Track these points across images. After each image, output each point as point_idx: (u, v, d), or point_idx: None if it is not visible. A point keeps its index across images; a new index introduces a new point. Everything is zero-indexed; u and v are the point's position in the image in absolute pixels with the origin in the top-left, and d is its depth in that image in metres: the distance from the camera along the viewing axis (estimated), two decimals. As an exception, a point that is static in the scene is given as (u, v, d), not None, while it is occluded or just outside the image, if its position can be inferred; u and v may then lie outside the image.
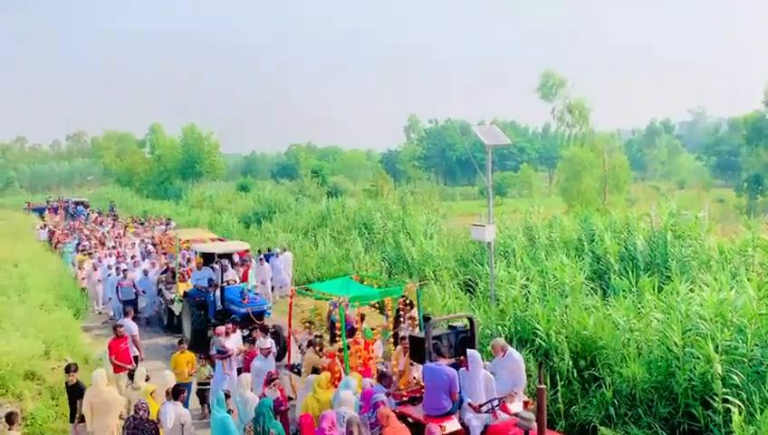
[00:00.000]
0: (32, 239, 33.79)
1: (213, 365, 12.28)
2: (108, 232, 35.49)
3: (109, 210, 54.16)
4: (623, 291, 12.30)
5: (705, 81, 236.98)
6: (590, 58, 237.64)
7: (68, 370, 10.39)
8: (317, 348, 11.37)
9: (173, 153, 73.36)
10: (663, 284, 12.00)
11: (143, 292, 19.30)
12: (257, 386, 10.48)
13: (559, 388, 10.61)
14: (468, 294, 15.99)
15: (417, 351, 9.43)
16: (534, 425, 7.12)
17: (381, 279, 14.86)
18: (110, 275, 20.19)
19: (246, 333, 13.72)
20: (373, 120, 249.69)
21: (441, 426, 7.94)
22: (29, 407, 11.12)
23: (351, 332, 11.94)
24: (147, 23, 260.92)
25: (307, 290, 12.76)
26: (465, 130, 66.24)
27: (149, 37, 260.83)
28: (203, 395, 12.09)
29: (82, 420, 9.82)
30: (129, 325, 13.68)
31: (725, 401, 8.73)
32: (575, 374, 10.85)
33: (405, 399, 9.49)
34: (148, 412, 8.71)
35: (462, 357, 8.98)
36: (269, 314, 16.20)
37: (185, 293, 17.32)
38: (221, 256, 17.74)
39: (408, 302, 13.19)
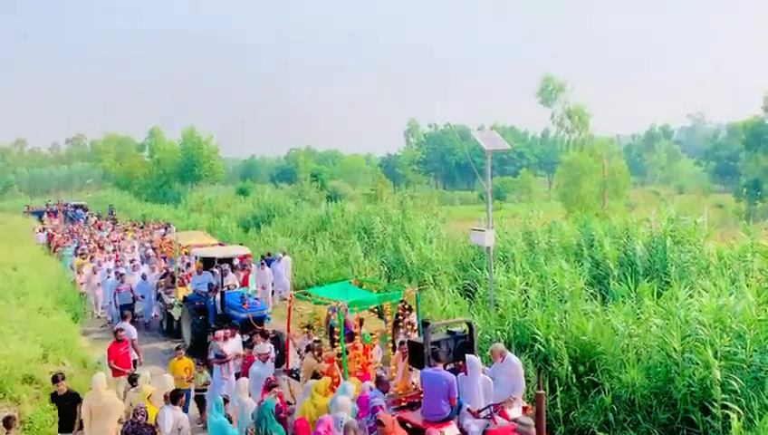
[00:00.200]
0: (31, 243, 33.77)
1: (211, 370, 12.25)
2: (108, 236, 35.46)
3: (108, 214, 54.13)
4: (622, 296, 12.29)
5: (704, 86, 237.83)
6: (590, 63, 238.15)
7: (56, 380, 9.92)
8: (316, 353, 11.35)
9: (172, 157, 73.40)
10: (662, 289, 11.99)
11: (141, 297, 19.24)
12: (256, 392, 10.45)
13: (558, 393, 10.59)
14: (467, 299, 15.97)
15: (416, 356, 9.42)
16: (533, 431, 7.10)
17: (380, 284, 14.86)
18: (109, 277, 20.18)
19: (247, 338, 13.66)
20: (373, 125, 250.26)
21: (440, 431, 7.93)
22: (27, 411, 11.10)
23: (350, 336, 11.93)
24: (146, 23, 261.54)
25: (306, 295, 12.75)
26: (464, 134, 66.37)
27: (149, 38, 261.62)
28: (201, 401, 12.05)
29: (81, 427, 9.68)
30: (128, 329, 13.64)
31: (724, 406, 8.72)
32: (574, 380, 10.84)
33: (404, 404, 9.47)
34: (147, 417, 8.69)
35: (460, 362, 8.97)
36: (269, 319, 16.12)
37: (184, 297, 17.25)
38: (221, 260, 17.66)
39: (407, 307, 13.17)
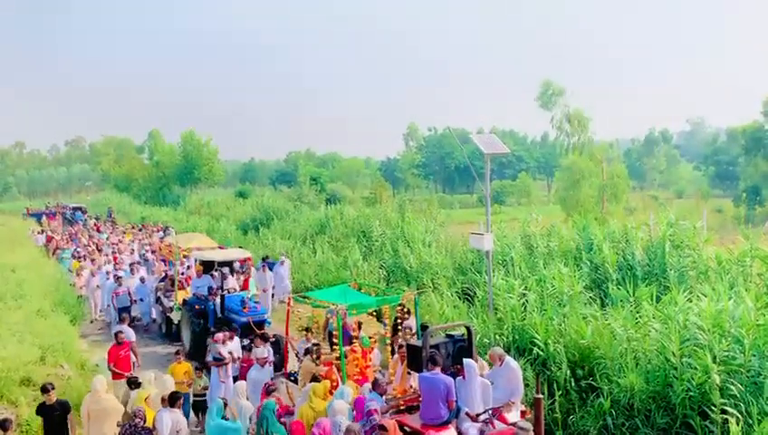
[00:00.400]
0: (30, 245, 33.75)
1: (209, 371, 12.23)
2: (107, 238, 35.45)
3: (107, 216, 54.13)
4: (621, 301, 12.28)
5: (703, 91, 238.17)
6: (590, 67, 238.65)
7: (45, 390, 9.38)
8: (314, 356, 11.33)
9: (172, 159, 73.47)
10: (661, 293, 11.99)
11: (140, 299, 19.17)
12: (254, 396, 10.43)
13: (556, 397, 10.58)
14: (466, 302, 15.95)
15: (415, 359, 9.40)
16: (532, 435, 7.08)
17: (379, 287, 14.83)
18: (108, 280, 20.10)
19: (247, 342, 13.59)
20: (372, 128, 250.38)
21: (438, 435, 7.91)
22: (24, 414, 11.06)
23: (349, 340, 11.91)
24: (146, 24, 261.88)
25: (305, 298, 12.73)
26: (463, 138, 66.31)
27: (148, 39, 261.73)
28: (198, 406, 12.01)
29: None
30: (127, 332, 13.64)
31: (723, 411, 8.71)
32: (573, 384, 10.83)
33: (402, 408, 9.45)
34: (145, 419, 8.67)
35: (458, 366, 8.96)
36: (269, 322, 15.99)
37: (184, 301, 17.14)
38: (221, 263, 17.54)
39: (406, 310, 13.16)
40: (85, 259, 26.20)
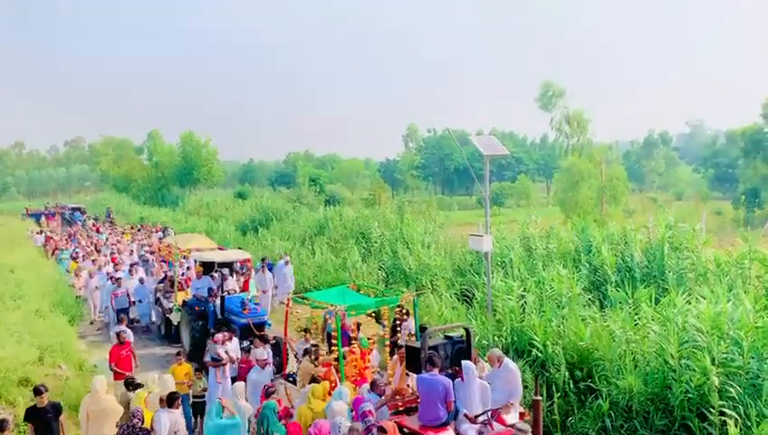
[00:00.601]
0: (28, 245, 33.74)
1: (207, 372, 12.20)
2: (106, 239, 35.42)
3: (105, 216, 54.12)
4: (620, 302, 12.27)
5: (703, 92, 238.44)
6: (590, 69, 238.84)
7: (38, 392, 9.10)
8: (312, 357, 11.32)
9: (171, 160, 73.47)
10: (660, 295, 11.99)
11: (139, 301, 19.11)
12: (254, 398, 10.41)
13: (555, 399, 10.58)
14: (465, 304, 15.94)
15: (413, 360, 9.40)
16: (530, 436, 7.08)
17: (378, 288, 14.83)
18: (109, 280, 19.98)
19: (247, 344, 13.53)
20: (372, 129, 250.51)
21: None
22: (22, 414, 11.02)
23: (348, 341, 11.89)
24: (145, 24, 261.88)
25: (303, 299, 12.71)
26: (463, 140, 66.36)
27: (147, 39, 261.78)
28: (198, 407, 11.97)
29: None
30: (126, 332, 13.59)
31: (722, 413, 8.71)
32: (571, 386, 10.82)
33: (401, 409, 9.45)
34: (143, 420, 8.65)
35: (456, 368, 8.95)
36: (270, 324, 15.91)
37: (184, 302, 17.04)
38: (221, 264, 17.46)
39: (405, 311, 13.15)
40: (84, 260, 26.17)
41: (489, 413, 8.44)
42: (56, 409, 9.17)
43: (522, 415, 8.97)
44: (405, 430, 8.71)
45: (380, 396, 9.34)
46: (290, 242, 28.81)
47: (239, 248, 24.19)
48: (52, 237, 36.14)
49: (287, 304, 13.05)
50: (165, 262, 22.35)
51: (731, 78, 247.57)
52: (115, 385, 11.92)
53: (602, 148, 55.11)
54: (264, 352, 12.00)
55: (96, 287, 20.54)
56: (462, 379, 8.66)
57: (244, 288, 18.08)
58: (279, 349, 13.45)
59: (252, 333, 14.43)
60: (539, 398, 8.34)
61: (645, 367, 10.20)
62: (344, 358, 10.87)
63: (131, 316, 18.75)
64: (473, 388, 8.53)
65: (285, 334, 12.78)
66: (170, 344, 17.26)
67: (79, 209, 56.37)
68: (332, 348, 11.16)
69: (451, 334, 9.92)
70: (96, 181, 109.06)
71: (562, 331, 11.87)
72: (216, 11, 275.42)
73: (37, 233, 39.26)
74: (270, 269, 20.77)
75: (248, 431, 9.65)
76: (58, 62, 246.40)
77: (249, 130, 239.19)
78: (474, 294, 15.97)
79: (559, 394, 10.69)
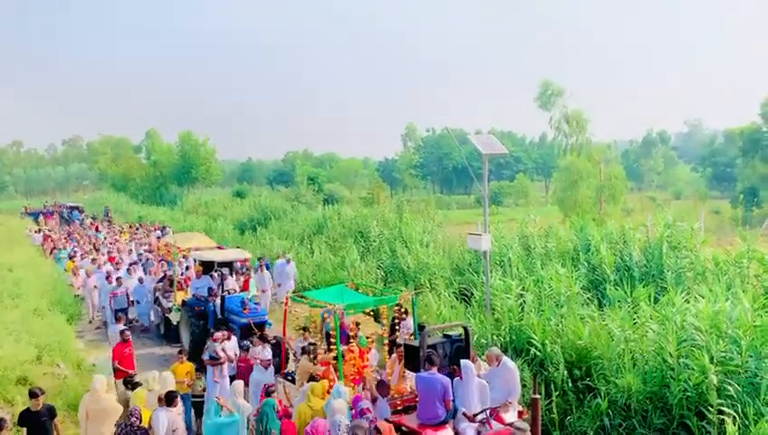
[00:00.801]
0: (27, 244, 33.69)
1: (206, 371, 12.19)
2: (104, 238, 35.37)
3: (103, 215, 54.06)
4: (619, 301, 12.29)
5: (702, 92, 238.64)
6: (589, 69, 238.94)
7: (34, 395, 8.87)
8: (311, 356, 11.31)
9: (169, 159, 73.38)
10: (659, 294, 12.00)
11: (137, 302, 19.02)
12: (256, 398, 10.40)
13: (554, 398, 10.58)
14: (464, 303, 15.95)
15: (412, 359, 9.40)
16: (529, 435, 7.08)
17: (377, 287, 14.82)
18: (108, 281, 19.86)
19: (246, 343, 13.46)
20: (370, 128, 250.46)
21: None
22: (22, 410, 11.02)
23: (347, 339, 11.89)
24: (143, 23, 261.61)
25: (302, 297, 12.71)
26: (462, 139, 66.38)
27: (146, 39, 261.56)
28: (197, 407, 11.95)
29: None
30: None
31: (720, 412, 8.72)
32: (570, 384, 10.83)
33: (399, 408, 9.45)
34: (141, 419, 8.64)
35: (454, 366, 8.95)
36: (270, 324, 15.78)
37: (183, 302, 16.89)
38: (221, 264, 17.33)
39: (403, 310, 13.15)
40: (82, 259, 26.12)
41: (488, 412, 8.45)
42: (51, 412, 9.01)
43: (520, 414, 8.99)
44: (404, 428, 8.72)
45: (386, 396, 9.33)
46: (288, 241, 28.79)
47: (237, 247, 24.15)
48: (50, 236, 36.08)
49: (286, 303, 13.04)
50: (164, 261, 22.28)
51: (729, 78, 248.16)
52: (115, 384, 11.92)
53: (601, 147, 55.15)
54: (267, 352, 11.97)
55: (94, 286, 20.46)
56: (461, 378, 8.67)
57: (244, 288, 18.00)
58: (278, 348, 13.43)
59: (252, 332, 14.37)
60: (537, 396, 8.34)
61: (643, 366, 10.21)
62: (343, 357, 10.86)
63: (130, 316, 18.70)
64: (471, 387, 8.54)
65: (284, 333, 12.77)
66: (169, 344, 17.19)
67: (77, 208, 56.26)
68: (331, 347, 11.16)
69: (450, 333, 9.93)
70: (94, 180, 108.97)
71: (561, 330, 11.87)
72: (216, 11, 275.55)
73: (35, 232, 39.19)
74: (267, 268, 20.74)
75: (247, 429, 9.64)
76: (57, 61, 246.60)
77: (248, 130, 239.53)
78: (472, 293, 15.97)
79: (557, 393, 10.69)
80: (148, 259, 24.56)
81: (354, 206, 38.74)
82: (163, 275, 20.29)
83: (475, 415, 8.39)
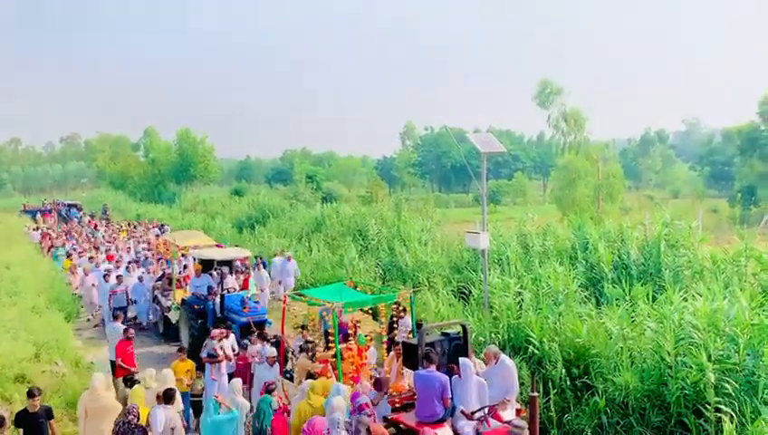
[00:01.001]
0: (25, 242, 33.63)
1: (204, 369, 12.20)
2: (103, 236, 35.31)
3: (102, 213, 54.00)
4: (616, 300, 12.30)
5: (700, 91, 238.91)
6: (587, 67, 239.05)
7: (32, 394, 8.77)
8: (309, 354, 11.32)
9: (167, 157, 73.33)
10: (656, 293, 12.02)
11: (134, 301, 18.94)
12: (259, 395, 10.40)
13: (551, 396, 10.59)
14: (462, 301, 15.97)
15: (410, 357, 9.41)
16: (527, 433, 7.11)
17: (375, 286, 14.82)
18: (107, 280, 19.75)
19: (245, 342, 13.44)
20: (369, 127, 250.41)
21: (434, 432, 7.91)
22: (18, 410, 11.02)
23: (345, 337, 11.90)
24: (142, 22, 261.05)
25: (300, 295, 12.71)
26: (460, 137, 66.39)
27: (144, 38, 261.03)
28: (196, 407, 11.95)
29: None
30: (120, 329, 13.53)
31: (717, 410, 8.74)
32: (568, 382, 10.85)
33: (397, 405, 9.47)
34: (138, 417, 8.64)
35: (454, 365, 8.96)
36: (270, 323, 15.71)
37: (183, 300, 16.81)
38: (220, 262, 17.24)
39: (402, 308, 13.16)
40: (80, 257, 26.08)
41: (486, 410, 8.46)
42: (48, 413, 8.94)
43: (518, 412, 9.00)
44: (402, 426, 8.74)
45: (385, 394, 9.35)
46: (287, 239, 28.79)
47: (236, 246, 24.13)
48: (49, 234, 36.02)
49: (284, 302, 13.03)
50: (163, 260, 22.24)
51: (728, 77, 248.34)
52: (114, 382, 11.91)
53: (599, 145, 55.13)
54: (272, 349, 11.96)
55: (93, 285, 20.40)
56: (459, 376, 8.68)
57: (244, 286, 17.95)
58: (278, 347, 13.43)
59: (252, 331, 14.29)
60: (535, 394, 8.34)
61: (641, 364, 10.22)
62: (341, 355, 10.86)
63: (130, 315, 18.67)
64: (470, 385, 8.55)
65: (282, 332, 12.77)
66: (168, 343, 17.18)
67: (75, 206, 56.19)
68: (329, 345, 11.17)
69: (448, 331, 9.94)
70: (92, 178, 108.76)
71: (559, 328, 11.89)
72: (217, 11, 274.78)
73: (33, 229, 39.14)
74: (264, 266, 20.73)
75: (244, 426, 9.65)
76: (57, 60, 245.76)
77: (247, 129, 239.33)
78: (470, 292, 15.98)
79: (555, 391, 10.71)
80: (146, 257, 24.54)
81: (353, 204, 38.73)
82: (162, 273, 20.25)
83: (473, 413, 8.40)
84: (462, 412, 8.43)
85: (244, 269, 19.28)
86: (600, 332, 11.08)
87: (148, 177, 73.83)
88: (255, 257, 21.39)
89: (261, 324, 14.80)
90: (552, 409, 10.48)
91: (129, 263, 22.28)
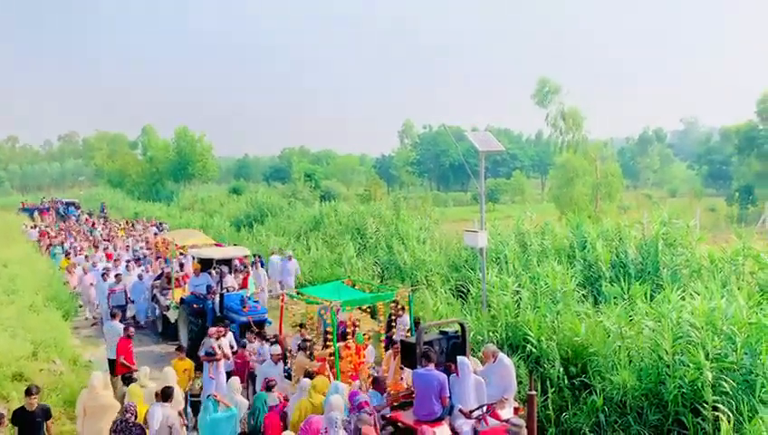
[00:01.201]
0: (23, 240, 33.58)
1: (202, 368, 12.19)
2: (100, 235, 35.25)
3: (99, 211, 53.94)
4: (614, 298, 12.32)
5: (698, 90, 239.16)
6: (585, 66, 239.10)
7: (29, 392, 8.68)
8: (307, 352, 11.32)
9: (165, 155, 73.25)
10: (654, 292, 12.03)
11: (132, 300, 18.95)
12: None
13: (549, 395, 10.61)
14: (460, 299, 15.97)
15: (409, 356, 9.41)
16: (524, 431, 7.12)
17: (373, 284, 14.82)
18: (105, 280, 19.66)
19: (245, 341, 13.41)
20: (367, 125, 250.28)
21: (433, 431, 7.91)
22: (15, 408, 11.01)
23: (343, 336, 11.89)
24: (140, 21, 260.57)
25: (299, 294, 12.70)
26: (458, 136, 66.35)
27: (142, 36, 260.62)
28: (195, 406, 11.94)
29: None
30: (117, 328, 13.53)
31: (715, 408, 8.76)
32: (566, 381, 10.86)
33: (396, 404, 9.47)
34: (136, 415, 8.63)
35: (452, 364, 8.97)
36: (270, 322, 15.63)
37: (182, 299, 16.73)
38: (219, 261, 17.17)
39: (400, 307, 13.16)
40: (76, 256, 26.04)
41: (484, 408, 8.47)
42: (45, 413, 8.85)
43: (516, 410, 9.00)
44: (400, 425, 8.74)
45: (382, 393, 9.35)
46: (285, 237, 28.79)
47: (235, 245, 24.08)
48: (47, 232, 35.96)
49: (282, 300, 13.03)
50: (161, 258, 22.19)
51: (726, 76, 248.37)
52: (113, 380, 11.89)
53: (597, 144, 55.11)
54: (277, 347, 11.94)
55: (91, 284, 20.34)
56: (457, 374, 8.69)
57: (243, 285, 17.92)
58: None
59: (251, 331, 14.24)
60: (533, 393, 8.37)
61: (639, 363, 10.24)
62: (339, 353, 10.86)
63: (129, 314, 18.63)
64: (468, 383, 8.56)
65: (280, 331, 12.77)
66: (167, 342, 17.14)
67: (73, 204, 56.13)
68: (327, 343, 11.16)
69: (446, 330, 9.94)
70: (90, 176, 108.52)
71: (557, 326, 11.90)
72: (217, 11, 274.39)
73: (32, 227, 39.08)
74: (262, 265, 20.70)
75: (239, 423, 9.65)
76: (56, 58, 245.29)
77: (245, 128, 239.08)
78: (469, 290, 15.99)
79: (553, 389, 10.72)
80: (144, 256, 24.50)
81: (351, 202, 38.73)
82: (161, 272, 20.20)
83: (471, 411, 8.40)
84: (460, 411, 8.44)
85: (243, 268, 19.24)
86: (598, 330, 11.10)
87: (146, 175, 73.74)
88: (254, 256, 21.36)
89: (261, 324, 14.77)
90: (550, 407, 10.49)
91: (128, 261, 22.21)
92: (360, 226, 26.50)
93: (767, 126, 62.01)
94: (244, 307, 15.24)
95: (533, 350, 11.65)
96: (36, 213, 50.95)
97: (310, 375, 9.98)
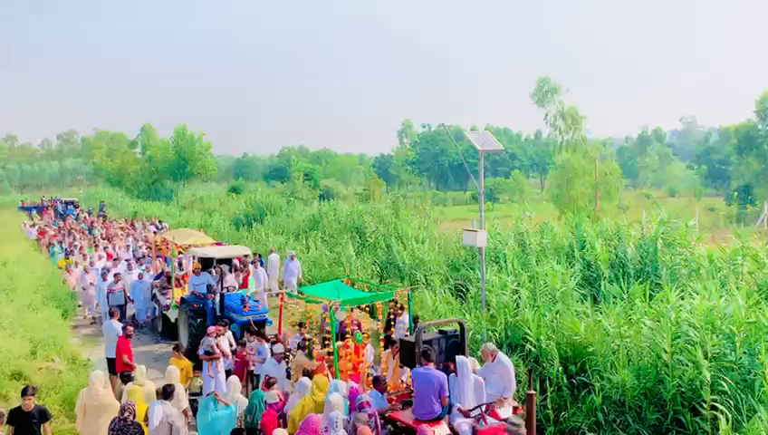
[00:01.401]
0: (21, 239, 33.58)
1: (201, 366, 12.19)
2: (99, 234, 35.20)
3: (98, 210, 53.89)
4: (614, 298, 12.33)
5: (696, 90, 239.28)
6: (584, 66, 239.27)
7: (26, 392, 8.60)
8: (306, 351, 11.32)
9: (164, 154, 73.18)
10: (653, 291, 12.04)
11: (131, 300, 18.90)
12: None
13: (548, 394, 10.62)
14: (459, 299, 15.97)
15: (408, 355, 9.41)
16: (523, 431, 7.10)
17: (372, 283, 14.81)
18: (105, 280, 19.59)
19: (245, 340, 13.38)
20: (367, 125, 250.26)
21: (432, 430, 7.92)
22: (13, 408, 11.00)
23: (342, 335, 11.89)
24: (138, 20, 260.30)
25: (298, 293, 12.70)
26: (458, 135, 66.39)
27: (140, 36, 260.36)
28: (193, 405, 11.93)
29: None
30: (116, 327, 13.50)
31: (713, 407, 8.76)
32: (565, 380, 10.86)
33: (395, 403, 9.47)
34: (134, 414, 8.63)
35: (451, 364, 8.97)
36: (270, 322, 15.58)
37: (182, 299, 16.65)
38: (220, 261, 17.08)
39: (399, 306, 13.16)
40: (74, 254, 26.01)
41: (483, 407, 8.47)
42: (42, 414, 8.71)
43: (515, 409, 9.01)
44: (399, 424, 8.75)
45: (383, 393, 9.35)
46: (284, 237, 28.78)
47: (235, 244, 24.03)
48: (46, 231, 35.94)
49: (281, 299, 13.02)
50: (161, 257, 22.15)
51: (725, 76, 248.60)
52: (112, 379, 11.90)
53: (596, 144, 55.20)
54: (280, 346, 11.94)
55: (91, 283, 20.29)
56: (456, 373, 8.69)
57: (243, 285, 17.88)
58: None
59: (251, 331, 14.19)
60: (532, 392, 8.35)
61: (638, 362, 10.25)
62: (338, 352, 10.86)
63: (129, 313, 18.59)
64: (467, 382, 8.56)
65: (279, 330, 12.76)
66: (167, 342, 17.11)
67: (72, 203, 56.07)
68: (326, 342, 11.16)
69: (445, 329, 9.94)
70: (89, 175, 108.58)
71: (556, 326, 11.91)
72: (217, 11, 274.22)
73: (31, 226, 39.06)
74: (261, 264, 20.67)
75: (237, 420, 9.65)
76: (55, 58, 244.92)
77: (245, 127, 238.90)
78: (468, 289, 16.00)
79: (552, 389, 10.73)
80: (144, 255, 24.46)
81: (350, 202, 38.79)
82: (161, 271, 20.16)
83: (470, 411, 8.41)
84: (459, 410, 8.44)
85: (243, 267, 19.21)
86: (597, 330, 11.10)
87: (145, 174, 73.65)
88: (253, 255, 21.32)
89: (261, 324, 14.74)
90: (549, 406, 10.50)
91: (129, 261, 22.16)
92: (358, 225, 26.50)
93: (766, 126, 62.03)
94: (245, 307, 15.21)
95: (532, 349, 11.66)
96: (35, 212, 50.89)
97: (308, 374, 9.98)
